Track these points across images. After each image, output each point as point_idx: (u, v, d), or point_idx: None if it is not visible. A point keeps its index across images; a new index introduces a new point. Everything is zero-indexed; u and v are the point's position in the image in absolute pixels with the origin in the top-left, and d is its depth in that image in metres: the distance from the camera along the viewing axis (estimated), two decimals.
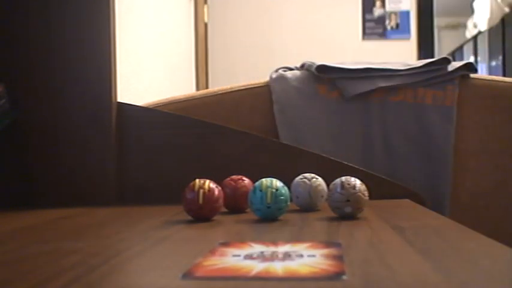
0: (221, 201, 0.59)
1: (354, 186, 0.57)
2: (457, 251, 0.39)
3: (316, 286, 0.31)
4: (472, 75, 0.97)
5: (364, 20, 3.06)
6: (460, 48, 5.09)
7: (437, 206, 0.90)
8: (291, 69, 1.05)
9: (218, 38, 3.07)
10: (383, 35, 3.05)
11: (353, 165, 0.78)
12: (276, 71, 1.03)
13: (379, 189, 0.76)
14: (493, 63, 3.89)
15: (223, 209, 0.65)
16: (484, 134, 0.93)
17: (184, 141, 0.80)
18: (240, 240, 0.45)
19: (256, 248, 0.41)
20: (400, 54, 3.01)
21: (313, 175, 0.66)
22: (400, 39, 3.05)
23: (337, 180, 0.59)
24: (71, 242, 0.47)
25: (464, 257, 0.37)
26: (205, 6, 3.01)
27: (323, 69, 0.97)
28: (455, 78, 0.95)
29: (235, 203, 0.65)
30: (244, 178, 0.66)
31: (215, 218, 0.60)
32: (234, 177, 0.66)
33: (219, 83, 2.92)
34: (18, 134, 0.79)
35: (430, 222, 0.54)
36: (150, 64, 2.04)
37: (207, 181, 0.59)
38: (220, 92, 0.99)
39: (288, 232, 0.50)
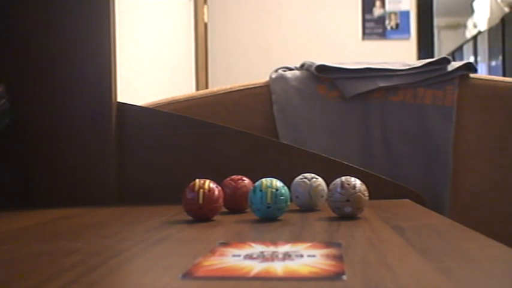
0: (221, 201, 0.59)
1: (354, 186, 0.57)
2: (457, 251, 0.39)
3: (316, 286, 0.31)
4: (471, 75, 0.97)
5: (364, 20, 3.06)
6: (460, 48, 5.09)
7: (437, 206, 0.90)
8: (290, 69, 1.05)
9: (218, 38, 3.07)
10: (383, 35, 3.05)
11: (353, 165, 0.78)
12: (276, 71, 1.03)
13: (379, 189, 0.76)
14: (493, 63, 3.88)
15: (223, 209, 0.65)
16: (484, 133, 0.93)
17: (184, 141, 0.80)
18: (240, 240, 0.45)
19: (256, 248, 0.41)
20: (400, 54, 3.01)
21: (313, 175, 0.66)
22: (400, 39, 3.05)
23: (337, 180, 0.59)
24: (71, 242, 0.47)
25: (464, 257, 0.37)
26: (205, 6, 3.01)
27: (323, 69, 0.97)
28: (455, 78, 0.95)
29: (235, 203, 0.65)
30: (244, 178, 0.66)
31: (215, 218, 0.60)
32: (234, 177, 0.66)
33: (219, 83, 2.92)
34: (18, 134, 0.79)
35: (430, 222, 0.54)
36: (150, 64, 2.04)
37: (207, 181, 0.59)
38: (220, 92, 0.99)
39: (288, 232, 0.50)
